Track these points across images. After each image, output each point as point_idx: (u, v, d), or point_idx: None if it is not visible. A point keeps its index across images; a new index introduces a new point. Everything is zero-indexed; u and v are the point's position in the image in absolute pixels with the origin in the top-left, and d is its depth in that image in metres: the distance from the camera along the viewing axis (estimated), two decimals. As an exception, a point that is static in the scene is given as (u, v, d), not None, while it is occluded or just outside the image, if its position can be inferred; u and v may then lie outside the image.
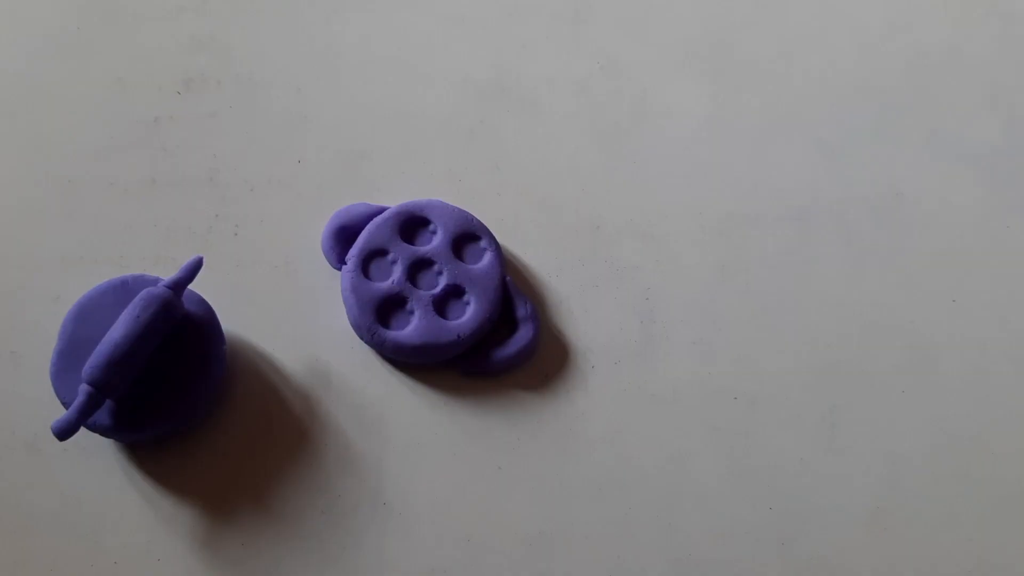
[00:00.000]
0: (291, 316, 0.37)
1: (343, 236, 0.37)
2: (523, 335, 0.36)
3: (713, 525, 0.34)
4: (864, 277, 0.38)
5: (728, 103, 0.41)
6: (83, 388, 0.31)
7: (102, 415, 0.33)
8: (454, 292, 0.36)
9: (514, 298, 0.36)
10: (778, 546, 0.34)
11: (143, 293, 0.32)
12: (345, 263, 0.36)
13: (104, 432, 0.33)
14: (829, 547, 0.34)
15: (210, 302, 0.35)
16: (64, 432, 0.31)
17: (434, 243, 0.37)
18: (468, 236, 0.37)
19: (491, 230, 0.37)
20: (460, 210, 0.37)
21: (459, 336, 0.35)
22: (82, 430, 0.32)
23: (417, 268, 0.36)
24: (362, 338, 0.36)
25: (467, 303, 0.36)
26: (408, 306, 0.36)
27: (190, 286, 0.34)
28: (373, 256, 0.36)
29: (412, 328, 0.35)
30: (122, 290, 0.34)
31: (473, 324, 0.35)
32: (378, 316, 0.35)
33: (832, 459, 0.35)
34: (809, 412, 0.36)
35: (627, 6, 0.44)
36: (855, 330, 0.37)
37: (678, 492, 0.35)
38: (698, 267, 0.38)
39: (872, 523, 0.34)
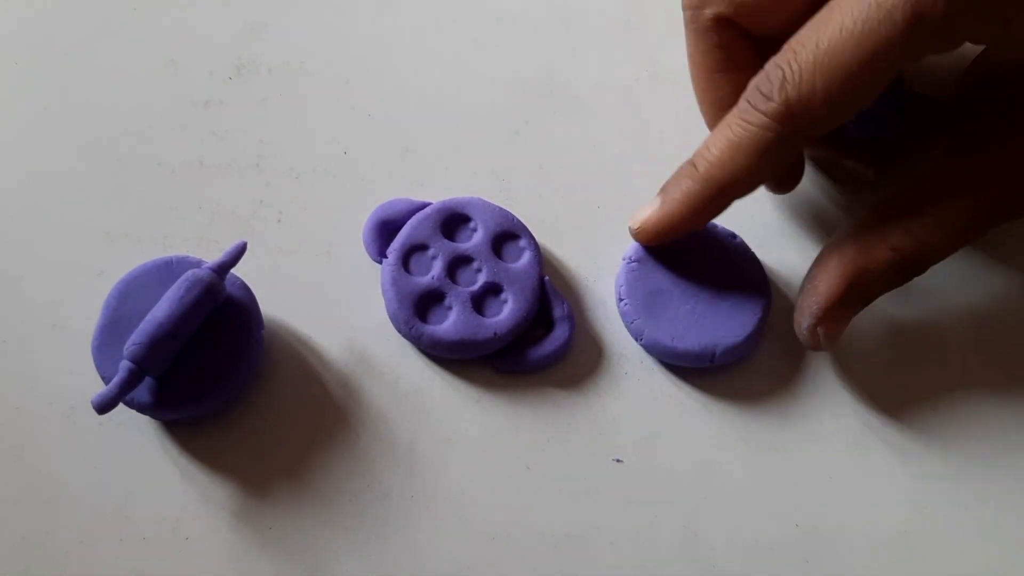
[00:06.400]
0: (330, 305, 0.37)
1: (385, 230, 0.37)
2: (559, 335, 0.36)
3: (738, 538, 0.34)
4: (895, 295, 0.38)
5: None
6: (124, 364, 0.32)
7: (141, 392, 0.33)
8: (492, 290, 0.36)
9: (551, 298, 0.37)
10: (803, 564, 0.34)
11: (188, 275, 0.33)
12: (386, 256, 0.36)
13: (142, 409, 0.33)
14: (854, 568, 0.34)
15: (250, 286, 0.35)
16: (104, 407, 0.31)
17: (474, 240, 0.37)
18: (508, 235, 0.37)
19: (531, 230, 0.38)
20: (501, 209, 0.38)
21: (496, 333, 0.35)
22: (118, 405, 0.32)
23: (457, 264, 0.36)
24: (400, 331, 0.36)
25: (505, 301, 0.36)
26: (446, 302, 0.36)
27: (232, 269, 0.34)
28: (414, 251, 0.36)
29: (450, 324, 0.35)
30: (166, 270, 0.35)
31: (510, 322, 0.35)
32: (416, 310, 0.36)
33: (861, 480, 0.35)
34: (841, 431, 0.36)
35: (678, 16, 0.44)
36: (887, 348, 0.37)
37: (705, 503, 0.35)
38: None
39: (897, 547, 0.34)
